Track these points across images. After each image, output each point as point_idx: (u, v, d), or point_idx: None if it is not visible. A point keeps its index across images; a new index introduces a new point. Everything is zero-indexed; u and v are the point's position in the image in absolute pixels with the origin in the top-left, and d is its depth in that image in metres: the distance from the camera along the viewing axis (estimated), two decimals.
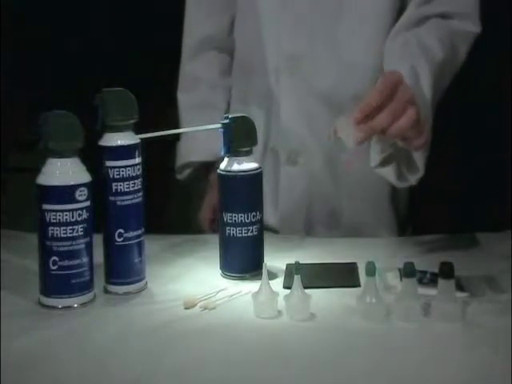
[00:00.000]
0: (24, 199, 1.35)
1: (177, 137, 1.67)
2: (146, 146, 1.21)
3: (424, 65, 1.34)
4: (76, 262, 1.14)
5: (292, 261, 1.13)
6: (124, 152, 1.18)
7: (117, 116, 1.18)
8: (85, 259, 1.14)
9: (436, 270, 1.10)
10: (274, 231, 1.51)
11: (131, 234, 1.19)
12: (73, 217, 1.13)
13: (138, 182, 1.20)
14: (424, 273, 1.18)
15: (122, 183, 1.18)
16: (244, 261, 1.25)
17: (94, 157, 1.18)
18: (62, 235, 1.13)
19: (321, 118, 1.49)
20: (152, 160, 1.27)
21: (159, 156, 1.68)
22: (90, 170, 1.15)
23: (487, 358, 0.98)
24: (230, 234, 1.25)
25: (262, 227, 1.27)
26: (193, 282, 1.23)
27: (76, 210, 1.13)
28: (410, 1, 1.45)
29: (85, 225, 1.14)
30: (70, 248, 1.13)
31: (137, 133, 1.20)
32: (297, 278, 1.10)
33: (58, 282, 1.14)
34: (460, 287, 1.15)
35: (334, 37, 1.47)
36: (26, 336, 1.05)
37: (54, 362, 0.99)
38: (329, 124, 1.43)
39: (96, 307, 1.15)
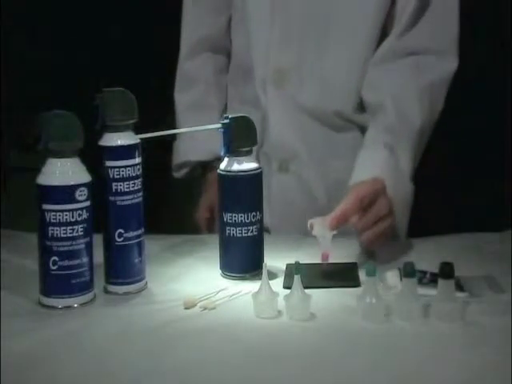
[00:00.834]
0: (24, 199, 1.36)
1: (174, 136, 1.67)
2: (145, 146, 1.21)
3: (404, 144, 1.39)
4: (76, 262, 1.14)
5: (292, 261, 1.13)
6: (124, 152, 1.18)
7: (117, 116, 1.18)
8: (85, 259, 1.14)
9: (436, 270, 1.10)
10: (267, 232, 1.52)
11: (131, 234, 1.19)
12: (73, 217, 1.13)
13: (138, 182, 1.20)
14: (424, 273, 1.18)
15: (121, 183, 1.18)
16: (244, 261, 1.25)
17: (93, 157, 1.18)
18: (62, 235, 1.13)
19: (310, 128, 1.51)
20: (152, 160, 1.27)
21: (159, 156, 1.68)
22: (89, 170, 1.15)
23: (487, 357, 0.98)
24: (229, 233, 1.25)
25: (262, 227, 1.27)
26: (193, 282, 1.23)
27: (76, 210, 1.13)
28: (392, 30, 1.47)
29: (85, 225, 1.14)
30: (70, 248, 1.13)
31: (137, 133, 1.20)
32: (297, 278, 1.10)
33: (58, 282, 1.14)
34: (460, 287, 1.15)
35: (319, 55, 1.48)
36: (25, 336, 1.05)
37: (54, 362, 0.99)
38: (317, 133, 1.51)
39: (96, 307, 1.15)
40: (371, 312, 1.08)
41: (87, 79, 2.21)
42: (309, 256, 1.24)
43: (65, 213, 1.12)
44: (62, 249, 1.13)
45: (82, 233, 1.13)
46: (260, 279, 1.12)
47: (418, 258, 1.22)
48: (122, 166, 1.18)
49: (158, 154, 1.52)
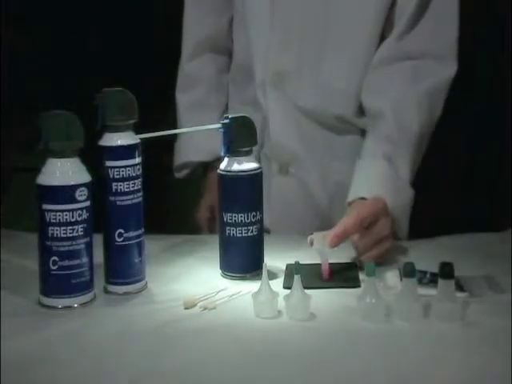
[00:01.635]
0: (24, 199, 1.36)
1: (175, 136, 1.67)
2: (145, 146, 1.21)
3: (403, 151, 1.39)
4: (76, 262, 1.14)
5: (292, 261, 1.13)
6: (124, 152, 1.18)
7: (117, 116, 1.18)
8: (85, 259, 1.14)
9: (436, 270, 1.10)
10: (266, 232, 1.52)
11: (131, 234, 1.19)
12: (73, 217, 1.13)
13: (138, 182, 1.20)
14: (424, 273, 1.18)
15: (121, 183, 1.18)
16: (244, 261, 1.25)
17: (94, 157, 1.18)
18: (62, 235, 1.13)
19: (310, 130, 1.51)
20: (152, 160, 1.27)
21: (159, 156, 1.68)
22: (89, 170, 1.15)
23: (487, 357, 0.98)
24: (229, 234, 1.25)
25: (262, 227, 1.27)
26: (193, 282, 1.23)
27: (76, 209, 1.13)
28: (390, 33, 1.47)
29: (85, 225, 1.14)
30: (70, 248, 1.13)
31: (137, 133, 1.20)
32: (297, 278, 1.10)
33: (58, 282, 1.14)
34: (460, 287, 1.15)
35: (319, 58, 1.48)
36: (25, 336, 1.05)
37: (54, 362, 0.99)
38: (318, 135, 1.51)
39: (96, 307, 1.15)
40: (371, 312, 1.08)
41: (87, 79, 2.21)
42: (309, 256, 1.24)
43: (65, 213, 1.12)
44: (62, 249, 1.13)
45: (81, 233, 1.13)
46: (260, 279, 1.12)
47: (417, 258, 1.22)
48: (122, 166, 1.18)
49: (157, 153, 1.52)
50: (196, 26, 1.68)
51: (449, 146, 2.10)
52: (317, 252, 1.22)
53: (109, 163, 1.18)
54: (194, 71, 1.68)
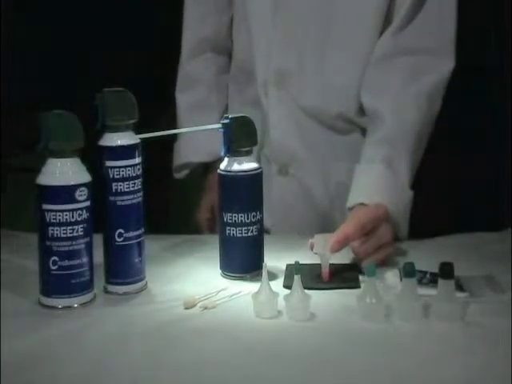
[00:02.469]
0: (24, 199, 1.36)
1: (174, 136, 1.67)
2: (145, 146, 1.21)
3: (402, 153, 1.39)
4: (76, 262, 1.14)
5: (292, 261, 1.13)
6: (124, 152, 1.18)
7: (117, 116, 1.18)
8: (85, 259, 1.14)
9: (436, 270, 1.10)
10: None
11: (131, 234, 1.19)
12: (73, 217, 1.13)
13: (138, 182, 1.20)
14: (424, 273, 1.18)
15: (121, 183, 1.18)
16: (244, 261, 1.25)
17: (93, 157, 1.18)
18: (62, 235, 1.13)
19: (311, 130, 1.51)
20: (152, 160, 1.27)
21: (159, 156, 1.68)
22: (89, 170, 1.15)
23: (487, 357, 0.98)
24: (229, 234, 1.25)
25: (262, 227, 1.27)
26: (193, 282, 1.23)
27: (76, 210, 1.13)
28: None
29: (85, 225, 1.14)
30: (70, 248, 1.13)
31: (137, 133, 1.20)
32: (297, 278, 1.10)
33: (58, 282, 1.14)
34: (460, 287, 1.15)
35: (321, 57, 1.48)
36: (25, 336, 1.05)
37: (54, 362, 0.99)
38: (319, 135, 1.50)
39: (96, 307, 1.15)
40: (371, 312, 1.08)
41: (87, 79, 2.21)
42: (309, 257, 1.24)
43: (65, 213, 1.12)
44: (62, 249, 1.13)
45: (81, 233, 1.13)
46: (260, 279, 1.12)
47: (417, 258, 1.22)
48: (122, 166, 1.18)
49: (157, 153, 1.52)
50: (196, 25, 1.68)
51: (448, 146, 2.10)
52: (318, 255, 1.22)
53: (109, 163, 1.18)
54: (194, 71, 1.68)
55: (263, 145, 1.53)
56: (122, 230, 1.18)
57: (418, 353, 1.00)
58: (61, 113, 1.14)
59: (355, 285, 1.20)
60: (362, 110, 1.48)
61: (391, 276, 1.21)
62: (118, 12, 2.60)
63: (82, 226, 1.13)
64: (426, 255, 1.30)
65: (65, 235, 1.12)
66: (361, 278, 1.21)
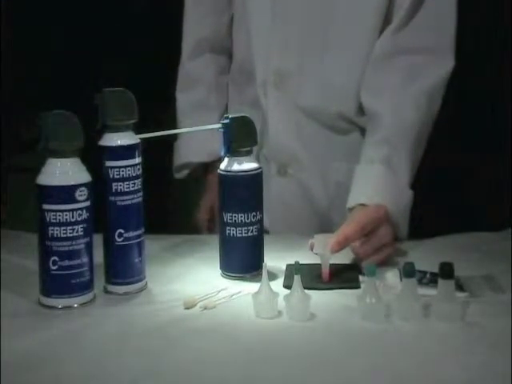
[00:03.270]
0: (24, 199, 1.36)
1: (175, 136, 1.68)
2: (145, 146, 1.21)
3: (401, 153, 1.38)
4: (76, 262, 1.14)
5: (292, 261, 1.13)
6: (124, 152, 1.18)
7: (117, 116, 1.18)
8: (85, 259, 1.14)
9: (436, 270, 1.10)
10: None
11: (131, 234, 1.19)
12: (73, 217, 1.13)
13: (138, 182, 1.20)
14: (424, 273, 1.18)
15: (121, 183, 1.18)
16: (244, 261, 1.25)
17: (94, 157, 1.18)
18: (62, 235, 1.13)
19: (310, 130, 1.51)
20: (152, 160, 1.27)
21: (159, 156, 1.68)
22: (89, 170, 1.15)
23: (487, 358, 0.98)
24: (229, 234, 1.25)
25: (262, 227, 1.27)
26: (193, 282, 1.23)
27: (76, 209, 1.13)
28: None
29: (85, 225, 1.14)
30: (70, 248, 1.13)
31: (137, 133, 1.20)
32: (297, 278, 1.10)
33: (58, 282, 1.14)
34: (460, 287, 1.15)
35: (320, 57, 1.48)
36: (26, 336, 1.05)
37: (54, 362, 0.99)
38: (318, 135, 1.51)
39: (96, 307, 1.15)
40: (371, 312, 1.08)
41: (87, 79, 2.21)
42: (309, 257, 1.24)
43: (65, 213, 1.12)
44: (62, 249, 1.13)
45: (81, 233, 1.13)
46: (260, 279, 1.12)
47: (417, 258, 1.23)
48: (122, 166, 1.18)
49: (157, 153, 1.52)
50: (196, 26, 1.68)
51: (448, 146, 2.10)
52: (318, 255, 1.22)
53: (109, 163, 1.18)
54: (194, 71, 1.68)
55: (262, 145, 1.54)
56: (121, 230, 1.18)
57: (418, 353, 1.00)
58: (61, 113, 1.14)
59: (355, 285, 1.20)
60: (361, 110, 1.48)
61: (391, 276, 1.21)
62: (117, 12, 2.60)
63: (81, 226, 1.13)
64: (425, 255, 1.30)
65: (65, 235, 1.12)
66: (361, 278, 1.21)
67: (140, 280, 1.21)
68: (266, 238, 1.28)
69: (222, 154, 1.26)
